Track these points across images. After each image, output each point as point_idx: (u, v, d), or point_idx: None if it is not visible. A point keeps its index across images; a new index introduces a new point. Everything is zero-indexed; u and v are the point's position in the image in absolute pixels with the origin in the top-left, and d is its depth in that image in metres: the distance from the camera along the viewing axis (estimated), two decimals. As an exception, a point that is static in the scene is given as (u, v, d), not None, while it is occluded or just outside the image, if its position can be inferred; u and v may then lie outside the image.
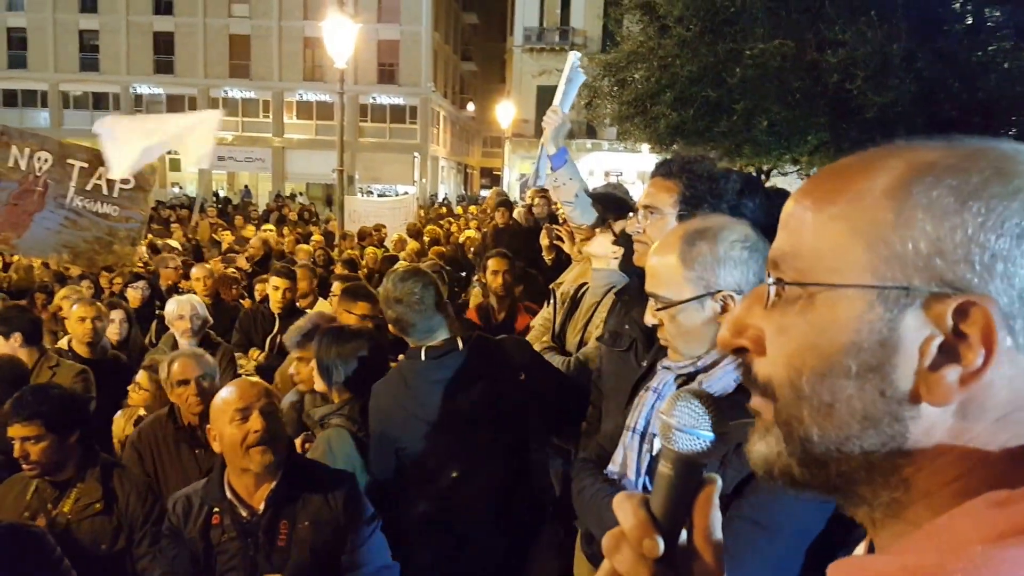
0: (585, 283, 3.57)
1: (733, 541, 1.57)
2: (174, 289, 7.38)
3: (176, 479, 3.27)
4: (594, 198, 3.78)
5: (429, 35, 42.36)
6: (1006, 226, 0.58)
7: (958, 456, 0.60)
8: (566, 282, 3.88)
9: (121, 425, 4.07)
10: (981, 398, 0.59)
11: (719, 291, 1.72)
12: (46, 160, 8.45)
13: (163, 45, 42.20)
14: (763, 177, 13.94)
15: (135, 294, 6.48)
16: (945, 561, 0.52)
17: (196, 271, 6.91)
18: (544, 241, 5.93)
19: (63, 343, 5.07)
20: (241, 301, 6.97)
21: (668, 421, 0.77)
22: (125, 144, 8.04)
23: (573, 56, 4.15)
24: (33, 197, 8.36)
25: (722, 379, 1.71)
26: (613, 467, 1.89)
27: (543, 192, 8.49)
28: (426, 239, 11.38)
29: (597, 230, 3.46)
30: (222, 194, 39.07)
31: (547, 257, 6.23)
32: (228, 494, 2.49)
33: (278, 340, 5.43)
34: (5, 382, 3.58)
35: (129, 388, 4.06)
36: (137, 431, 3.56)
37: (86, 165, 8.56)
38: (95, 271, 7.97)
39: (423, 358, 2.91)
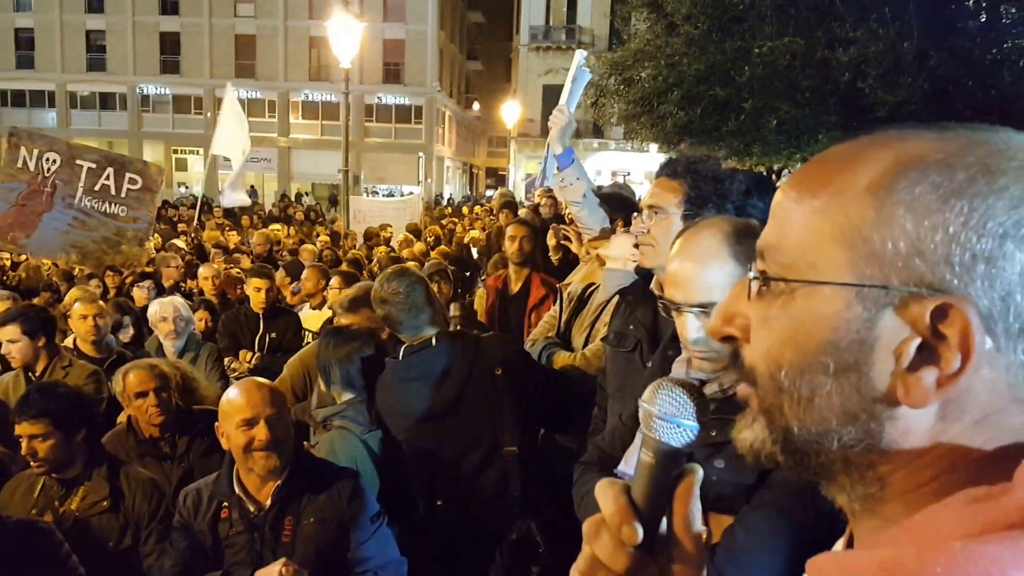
0: (592, 283, 3.55)
1: (756, 529, 1.54)
2: (176, 288, 7.36)
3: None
4: (600, 198, 3.74)
5: (435, 34, 42.35)
6: (988, 226, 0.56)
7: (936, 457, 0.60)
8: (574, 282, 3.84)
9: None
10: (960, 400, 0.58)
11: None
12: (55, 161, 8.50)
13: (169, 45, 42.33)
14: (773, 177, 13.84)
15: (141, 293, 6.45)
16: (924, 556, 0.52)
17: (203, 270, 6.90)
18: (551, 241, 5.87)
19: (68, 342, 5.04)
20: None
21: (650, 410, 0.76)
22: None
23: (580, 54, 4.11)
24: (42, 198, 8.42)
25: None
26: (625, 467, 1.83)
27: (549, 192, 8.43)
28: (428, 239, 11.33)
29: (618, 230, 3.40)
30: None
31: (554, 257, 6.17)
32: (237, 489, 2.55)
33: (267, 340, 5.42)
34: None
35: None
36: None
37: (94, 166, 8.61)
38: (101, 271, 7.97)
39: (401, 356, 3.05)
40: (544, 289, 4.67)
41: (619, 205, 3.99)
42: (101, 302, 5.27)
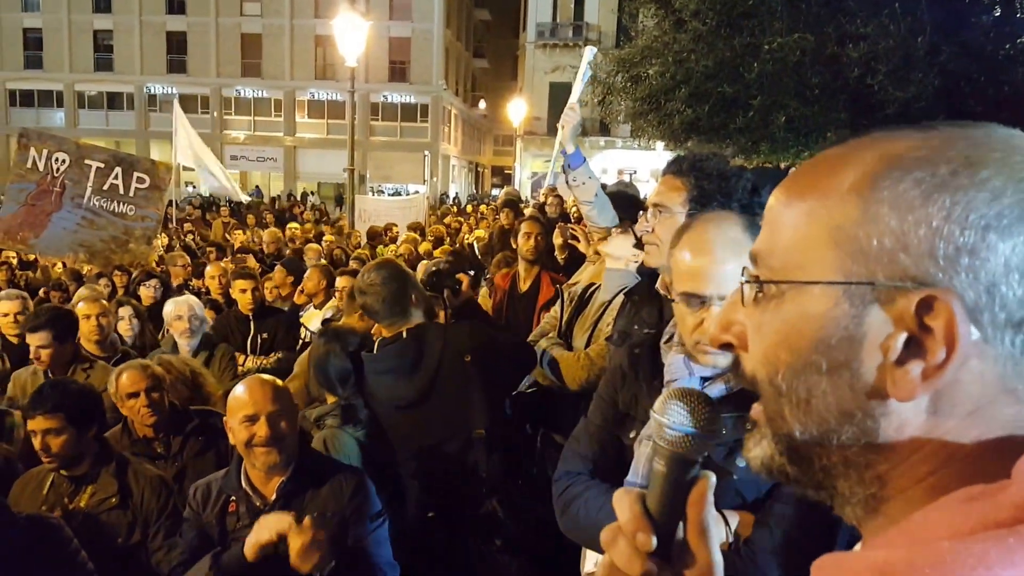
0: (594, 283, 3.53)
1: (787, 524, 1.52)
2: (185, 287, 7.35)
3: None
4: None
5: (441, 32, 42.36)
6: (971, 219, 0.57)
7: (931, 452, 0.60)
8: (580, 282, 3.81)
9: None
10: (951, 393, 0.59)
11: None
12: (63, 161, 8.55)
13: (176, 45, 42.48)
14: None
15: (147, 292, 6.44)
16: (914, 556, 0.52)
17: (211, 269, 6.89)
18: (557, 240, 5.82)
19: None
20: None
21: (660, 420, 0.78)
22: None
23: (590, 51, 4.07)
24: (51, 197, 8.47)
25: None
26: (634, 478, 1.78)
27: (555, 191, 8.40)
28: (430, 238, 11.28)
29: (615, 230, 3.38)
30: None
31: (560, 256, 6.13)
32: (244, 484, 2.61)
33: (258, 341, 5.41)
34: None
35: None
36: None
37: (102, 165, 8.65)
38: (109, 270, 7.99)
39: (375, 350, 3.18)
40: (554, 288, 4.65)
41: (624, 204, 3.96)
42: (104, 301, 5.25)
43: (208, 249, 10.09)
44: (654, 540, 0.76)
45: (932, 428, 0.60)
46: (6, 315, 4.94)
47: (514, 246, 5.87)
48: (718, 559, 0.77)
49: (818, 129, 11.51)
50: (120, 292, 7.33)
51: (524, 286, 4.85)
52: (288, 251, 9.90)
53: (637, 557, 0.76)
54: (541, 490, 3.26)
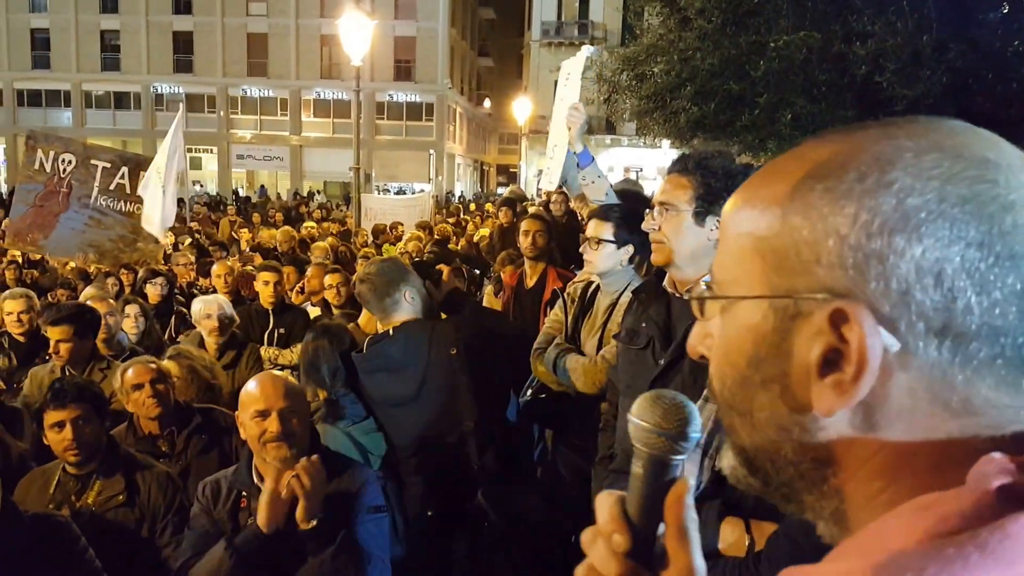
0: (590, 282, 3.52)
1: (802, 533, 1.49)
2: (192, 286, 7.36)
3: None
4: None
5: (446, 31, 42.35)
6: (876, 223, 0.55)
7: (880, 466, 0.59)
8: (579, 282, 3.79)
9: None
10: (883, 406, 0.57)
11: None
12: (70, 162, 8.60)
13: (182, 44, 42.56)
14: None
15: (154, 290, 6.46)
16: (868, 566, 0.51)
17: (217, 268, 6.88)
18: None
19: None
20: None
21: (636, 422, 0.78)
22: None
23: (587, 50, 4.08)
24: (58, 198, 8.52)
25: None
26: None
27: (561, 189, 8.36)
28: (437, 236, 11.27)
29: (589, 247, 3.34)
30: (242, 192, 39.28)
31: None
32: (255, 480, 2.61)
33: (276, 335, 5.42)
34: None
35: None
36: None
37: (109, 165, 8.69)
38: (117, 269, 8.02)
39: (364, 348, 3.22)
40: (560, 283, 4.65)
41: (631, 202, 3.95)
42: (112, 300, 5.26)
43: (212, 248, 10.10)
44: (629, 541, 0.75)
45: (873, 443, 0.59)
46: (10, 313, 4.92)
47: (535, 212, 5.94)
48: (699, 564, 0.75)
49: (825, 127, 11.42)
50: (127, 291, 7.36)
51: (530, 282, 4.87)
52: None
53: (614, 558, 0.75)
54: (543, 487, 3.28)
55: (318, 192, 39.70)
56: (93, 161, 8.70)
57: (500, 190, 43.08)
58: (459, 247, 10.02)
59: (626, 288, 3.25)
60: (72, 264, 8.61)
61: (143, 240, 8.57)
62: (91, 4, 41.96)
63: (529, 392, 3.70)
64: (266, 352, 5.24)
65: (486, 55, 54.92)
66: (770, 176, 0.65)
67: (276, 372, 2.73)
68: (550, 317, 3.78)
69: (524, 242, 4.84)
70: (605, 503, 0.79)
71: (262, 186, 41.18)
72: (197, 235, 12.87)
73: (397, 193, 30.89)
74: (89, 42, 42.48)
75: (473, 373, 3.18)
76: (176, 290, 7.04)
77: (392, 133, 43.09)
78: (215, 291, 6.77)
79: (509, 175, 52.89)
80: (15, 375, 4.67)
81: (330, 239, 11.02)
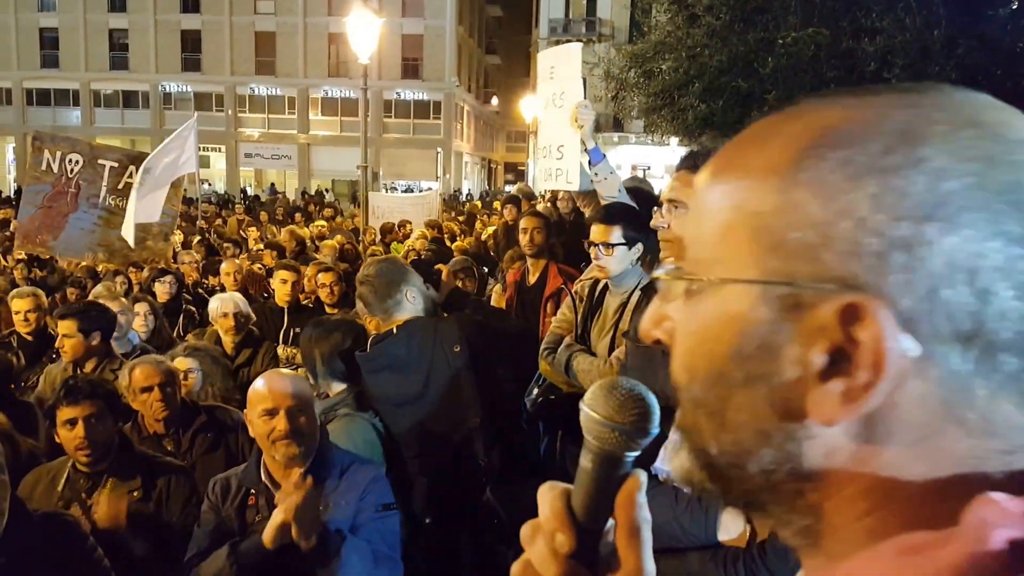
0: (598, 280, 3.49)
1: (786, 555, 1.48)
2: (200, 285, 7.38)
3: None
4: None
5: (453, 29, 42.35)
6: (905, 207, 0.47)
7: (868, 487, 0.50)
8: (586, 279, 3.77)
9: None
10: (886, 418, 0.48)
11: None
12: (77, 162, 8.61)
13: (191, 43, 42.69)
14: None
15: (163, 288, 6.48)
16: None
17: (226, 266, 6.90)
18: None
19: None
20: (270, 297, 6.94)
21: (589, 413, 0.70)
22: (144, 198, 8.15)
23: (578, 47, 4.09)
24: (66, 199, 8.54)
25: None
26: (662, 464, 1.76)
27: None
28: (446, 235, 11.29)
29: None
30: (250, 191, 39.37)
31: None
32: (264, 478, 2.63)
33: (291, 334, 5.41)
34: None
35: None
36: None
37: (116, 164, 8.71)
38: (127, 268, 8.05)
39: (368, 348, 3.21)
40: (561, 279, 4.66)
41: (640, 200, 3.93)
42: (123, 299, 5.27)
43: (225, 245, 10.12)
44: (573, 541, 0.68)
45: (867, 458, 0.50)
46: (18, 312, 4.92)
47: (534, 209, 5.94)
48: (650, 568, 0.68)
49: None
50: (136, 289, 7.38)
51: (532, 279, 4.89)
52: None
53: (554, 559, 0.68)
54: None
55: (327, 191, 39.74)
56: (100, 161, 8.72)
57: (507, 188, 43.06)
58: (466, 244, 10.01)
59: (636, 287, 3.23)
60: (82, 263, 8.64)
61: (153, 238, 8.59)
62: (99, 3, 42.14)
63: (536, 391, 3.69)
64: (283, 351, 5.25)
65: (493, 53, 54.90)
66: (762, 140, 0.55)
67: (284, 370, 2.74)
68: (558, 316, 3.75)
69: (523, 239, 4.86)
70: (548, 497, 0.71)
71: (272, 184, 41.26)
72: (207, 234, 12.89)
73: (404, 191, 30.86)
74: (98, 41, 42.66)
75: (477, 370, 3.16)
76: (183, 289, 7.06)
77: (400, 131, 43.12)
78: (223, 289, 6.80)
79: (517, 173, 52.87)
80: (23, 374, 4.68)
81: (339, 237, 11.04)
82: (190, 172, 9.02)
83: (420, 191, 25.77)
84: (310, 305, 5.94)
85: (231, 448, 3.36)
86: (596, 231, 3.20)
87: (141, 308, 5.43)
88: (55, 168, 8.58)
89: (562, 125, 3.95)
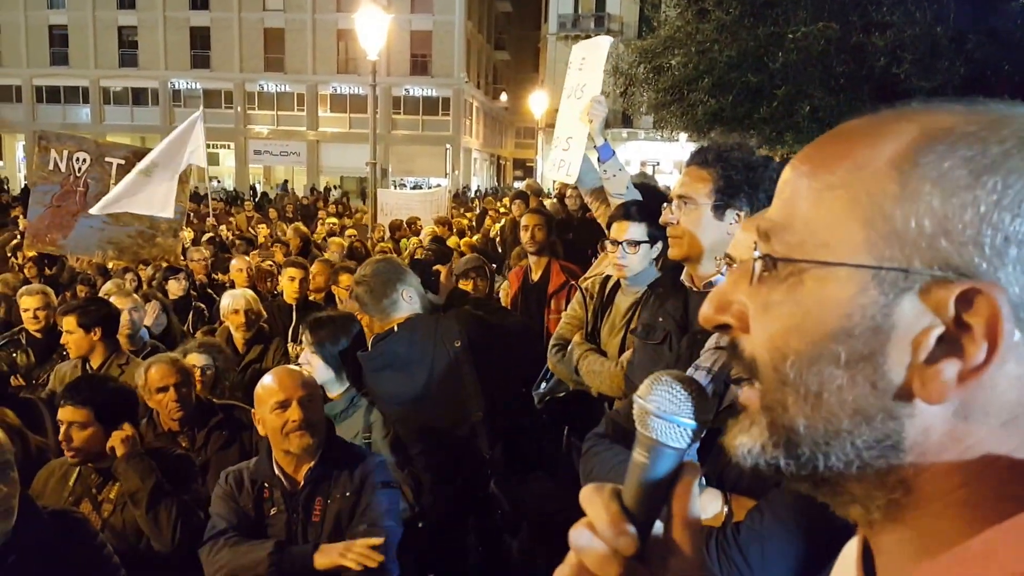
0: (608, 276, 3.47)
1: (783, 512, 1.49)
2: (210, 283, 7.39)
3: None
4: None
5: (462, 25, 42.29)
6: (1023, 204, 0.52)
7: (962, 461, 0.55)
8: (596, 276, 3.76)
9: None
10: (984, 398, 0.53)
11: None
12: (84, 160, 8.64)
13: (200, 40, 42.77)
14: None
15: (177, 285, 6.51)
16: None
17: (236, 263, 6.91)
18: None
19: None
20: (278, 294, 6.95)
21: (645, 406, 0.71)
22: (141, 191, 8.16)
23: (606, 40, 4.03)
24: (75, 197, 8.57)
25: None
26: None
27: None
28: (456, 231, 11.31)
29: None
30: (259, 188, 39.46)
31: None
32: (276, 470, 2.70)
33: (299, 331, 5.40)
34: None
35: None
36: None
37: (123, 162, 8.73)
38: (137, 265, 8.08)
39: (370, 347, 3.23)
40: (564, 276, 4.68)
41: (649, 196, 3.91)
42: (136, 295, 5.29)
43: (237, 243, 10.15)
44: (637, 542, 0.69)
45: (962, 435, 0.54)
46: (27, 310, 4.93)
47: (535, 207, 5.92)
48: (703, 557, 0.70)
49: (843, 118, 11.27)
50: (145, 286, 7.41)
51: (535, 276, 4.88)
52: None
53: (613, 560, 0.68)
54: (557, 478, 3.28)
55: (335, 187, 39.80)
56: (107, 159, 8.75)
57: (516, 184, 43.02)
58: (473, 241, 10.01)
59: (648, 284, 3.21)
60: (93, 261, 8.68)
61: (162, 235, 8.61)
62: (108, 0, 42.26)
63: (544, 386, 3.68)
64: (293, 349, 5.26)
65: (502, 48, 54.79)
66: (871, 135, 0.59)
67: (290, 366, 2.79)
68: (567, 312, 3.73)
69: (524, 236, 4.87)
70: (599, 499, 0.71)
71: (285, 182, 41.31)
72: (218, 230, 12.91)
73: (413, 188, 30.88)
74: (107, 38, 42.78)
75: (479, 365, 3.18)
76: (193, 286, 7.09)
77: (408, 128, 43.12)
78: (233, 286, 6.82)
79: (525, 169, 52.80)
80: (34, 371, 4.70)
81: (349, 232, 11.07)
82: (199, 165, 9.05)
83: (429, 188, 25.79)
84: (319, 302, 5.95)
85: (245, 446, 3.37)
86: (619, 228, 3.12)
87: (153, 306, 5.45)
88: (63, 167, 8.62)
89: (574, 116, 3.90)
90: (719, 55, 11.65)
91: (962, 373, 0.52)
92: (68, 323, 4.20)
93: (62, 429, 2.87)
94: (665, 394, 0.71)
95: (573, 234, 6.92)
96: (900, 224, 0.54)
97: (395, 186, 32.12)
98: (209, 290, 7.26)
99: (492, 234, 11.05)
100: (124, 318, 4.70)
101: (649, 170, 23.95)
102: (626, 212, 3.17)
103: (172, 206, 8.20)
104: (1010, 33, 10.03)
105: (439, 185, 24.40)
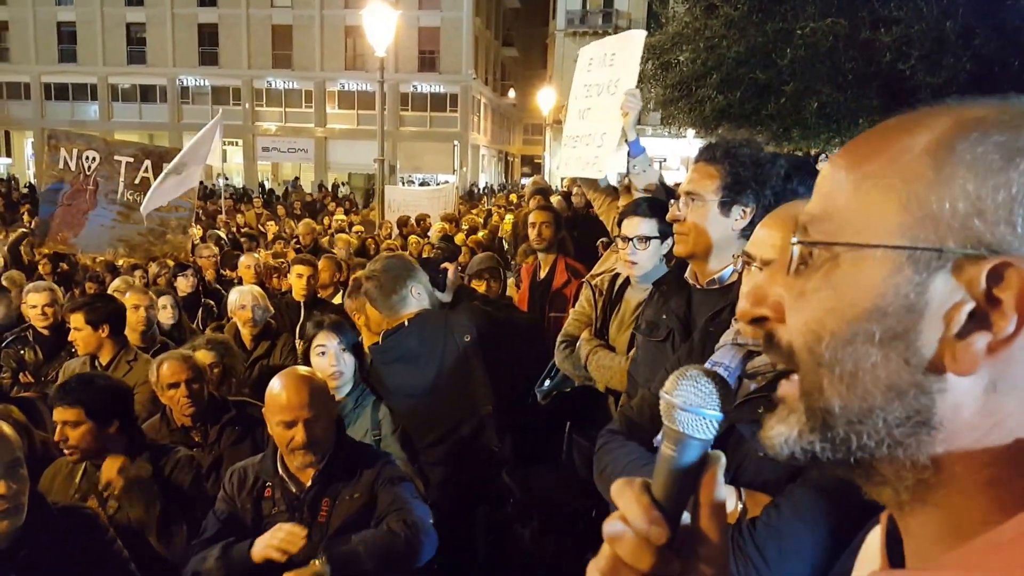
0: (616, 272, 3.46)
1: (800, 507, 1.49)
2: (218, 279, 7.42)
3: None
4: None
5: (470, 21, 42.22)
6: None
7: (991, 439, 0.57)
8: (604, 272, 3.75)
9: None
10: (1013, 371, 0.56)
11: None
12: (94, 159, 8.69)
13: (208, 37, 42.82)
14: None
15: (186, 282, 6.54)
16: None
17: (244, 259, 6.94)
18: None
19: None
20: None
21: (671, 400, 0.74)
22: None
23: (640, 34, 3.99)
24: (85, 196, 8.62)
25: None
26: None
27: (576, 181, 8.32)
28: (464, 227, 11.30)
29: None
30: (267, 185, 39.53)
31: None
32: (280, 470, 2.67)
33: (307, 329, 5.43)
34: None
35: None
36: None
37: (132, 159, 8.78)
38: (146, 262, 8.12)
39: (381, 341, 3.25)
40: (567, 274, 4.70)
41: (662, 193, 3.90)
42: (151, 293, 5.33)
43: (242, 240, 10.18)
44: (670, 532, 0.71)
45: (992, 411, 0.56)
46: (35, 307, 4.95)
47: (543, 203, 5.92)
48: (727, 543, 0.74)
49: (850, 115, 11.31)
50: (152, 283, 7.45)
51: (542, 273, 4.91)
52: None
53: (647, 550, 0.71)
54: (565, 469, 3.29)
55: (343, 184, 39.82)
56: (116, 157, 8.80)
57: (524, 180, 42.97)
58: (480, 238, 10.01)
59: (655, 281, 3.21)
60: (103, 258, 8.73)
61: (172, 232, 8.67)
62: (117, -3, 42.40)
63: (548, 382, 3.68)
64: (302, 347, 5.27)
65: (510, 45, 54.67)
66: (907, 130, 0.62)
67: (302, 370, 2.72)
68: (576, 309, 3.72)
69: (531, 234, 4.88)
70: (629, 492, 0.74)
71: (296, 179, 41.35)
72: (228, 226, 12.95)
73: (421, 184, 30.87)
74: (115, 35, 42.87)
75: (488, 359, 3.20)
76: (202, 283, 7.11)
77: (416, 124, 43.09)
78: (241, 282, 6.85)
79: (533, 166, 52.78)
80: (42, 368, 4.73)
81: (357, 228, 11.08)
82: (214, 165, 9.16)
83: (436, 184, 25.79)
84: (327, 299, 5.96)
85: (257, 441, 3.38)
86: (631, 224, 3.08)
87: (166, 301, 5.48)
88: (72, 166, 8.67)
89: (611, 113, 3.83)
90: (727, 51, 11.60)
91: (992, 344, 0.55)
92: (76, 320, 4.23)
93: (57, 429, 2.89)
94: (691, 388, 0.73)
95: (578, 231, 6.92)
96: (935, 207, 0.57)
97: (403, 183, 32.14)
98: (217, 286, 7.29)
99: (500, 233, 11.03)
100: (140, 315, 4.73)
101: (656, 166, 23.88)
102: (637, 208, 3.14)
103: (169, 197, 8.27)
104: (1017, 29, 9.93)
105: (447, 182, 24.42)
